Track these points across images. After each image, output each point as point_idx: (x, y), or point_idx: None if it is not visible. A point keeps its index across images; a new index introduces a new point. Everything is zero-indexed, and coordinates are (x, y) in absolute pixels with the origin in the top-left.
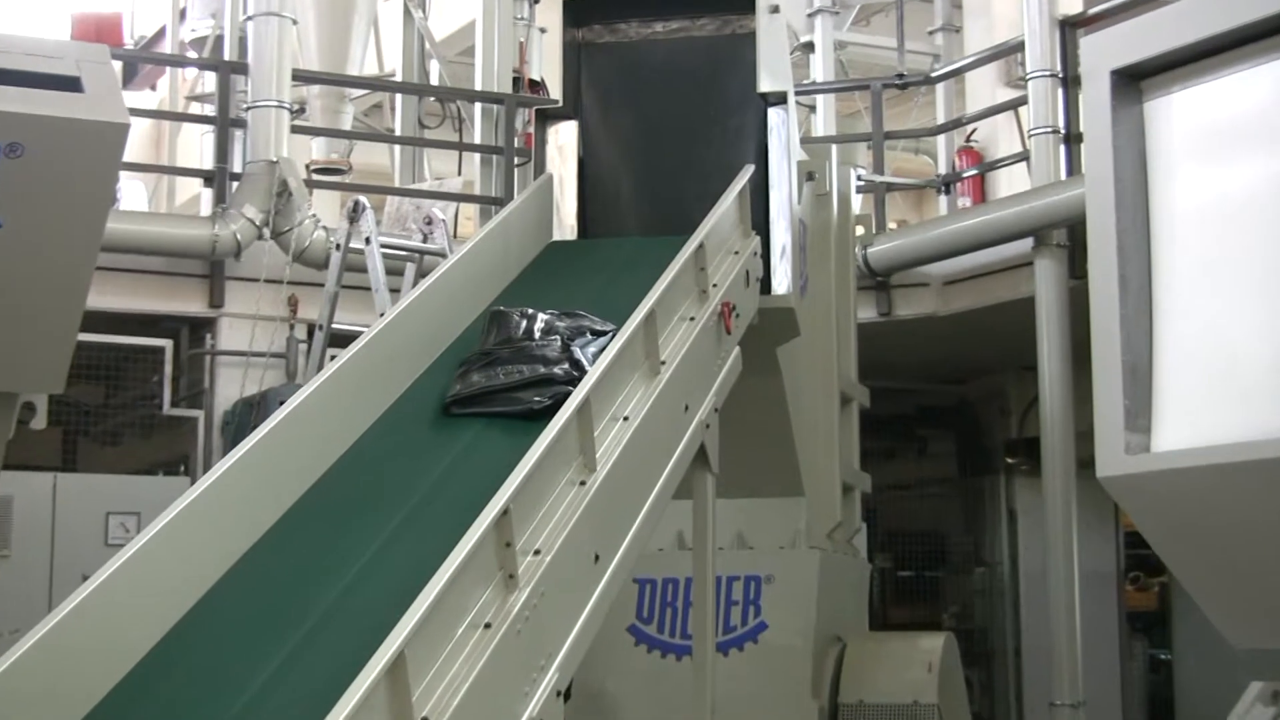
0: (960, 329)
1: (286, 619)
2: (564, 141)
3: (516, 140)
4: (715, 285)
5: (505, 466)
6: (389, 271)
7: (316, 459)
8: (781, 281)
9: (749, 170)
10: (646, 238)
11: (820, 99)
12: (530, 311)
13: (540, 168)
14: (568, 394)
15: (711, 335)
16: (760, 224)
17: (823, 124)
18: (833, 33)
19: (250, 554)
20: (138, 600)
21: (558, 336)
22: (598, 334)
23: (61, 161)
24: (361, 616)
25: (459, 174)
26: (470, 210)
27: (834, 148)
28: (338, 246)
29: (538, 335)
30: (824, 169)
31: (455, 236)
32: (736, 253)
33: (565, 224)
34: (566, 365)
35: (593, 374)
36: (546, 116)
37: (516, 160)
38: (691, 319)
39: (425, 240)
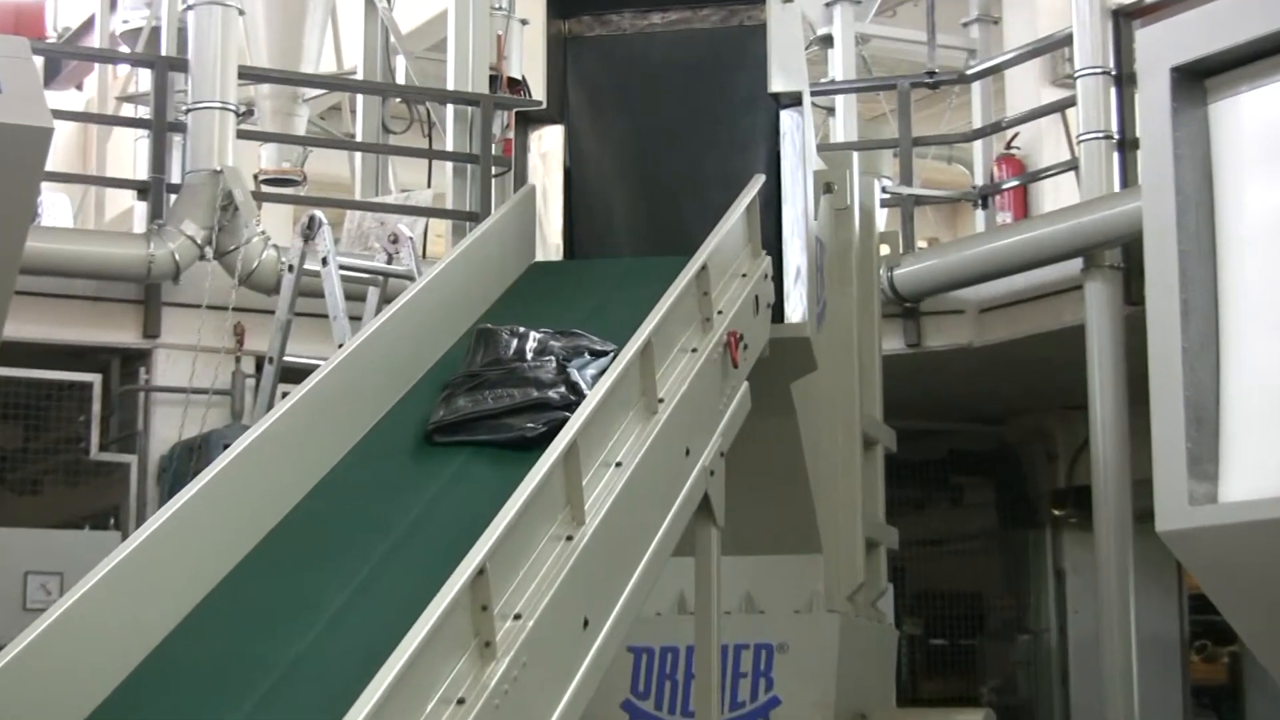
0: (1000, 362)
1: (238, 684)
2: (548, 149)
3: (494, 147)
4: (720, 312)
5: (494, 501)
6: (349, 297)
7: (274, 502)
8: (796, 308)
9: (759, 181)
10: (642, 258)
11: (840, 100)
12: (521, 329)
13: (521, 179)
14: (564, 420)
15: (716, 369)
16: (772, 243)
17: (843, 129)
18: (854, 25)
19: (196, 613)
20: (61, 673)
21: (552, 357)
22: (597, 354)
23: None
24: (323, 679)
25: (428, 185)
26: (441, 227)
27: (856, 155)
28: (290, 268)
29: (530, 355)
30: (844, 180)
31: (424, 257)
32: (744, 275)
33: (549, 242)
34: (563, 389)
35: (581, 413)
36: (528, 120)
37: (494, 170)
38: (693, 351)
39: (390, 261)
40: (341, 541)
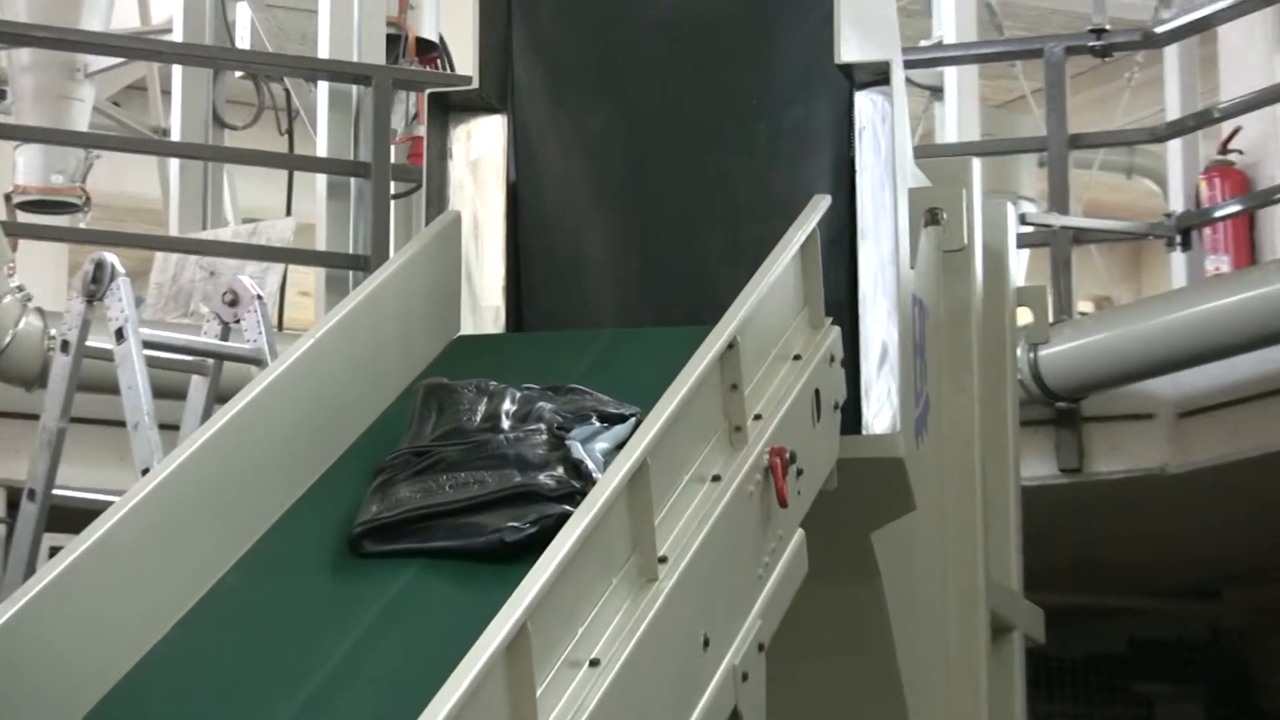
0: (1211, 498)
1: None
2: (481, 154)
3: (394, 152)
4: (758, 418)
5: (455, 643)
6: (162, 392)
7: (117, 647)
8: (881, 411)
9: (820, 207)
10: (633, 330)
11: (952, 76)
12: (494, 385)
13: (438, 203)
14: (561, 519)
15: (752, 511)
16: (843, 306)
17: (956, 122)
18: None
19: None
20: None
21: (542, 425)
22: (610, 419)
23: None
24: None
25: (288, 213)
26: (310, 280)
27: (977, 164)
28: (65, 346)
29: (508, 422)
30: (958, 204)
31: (281, 328)
32: (797, 358)
33: (482, 304)
34: (560, 471)
35: (531, 584)
36: (449, 108)
37: (394, 187)
38: (714, 480)
39: (226, 334)
40: (218, 711)
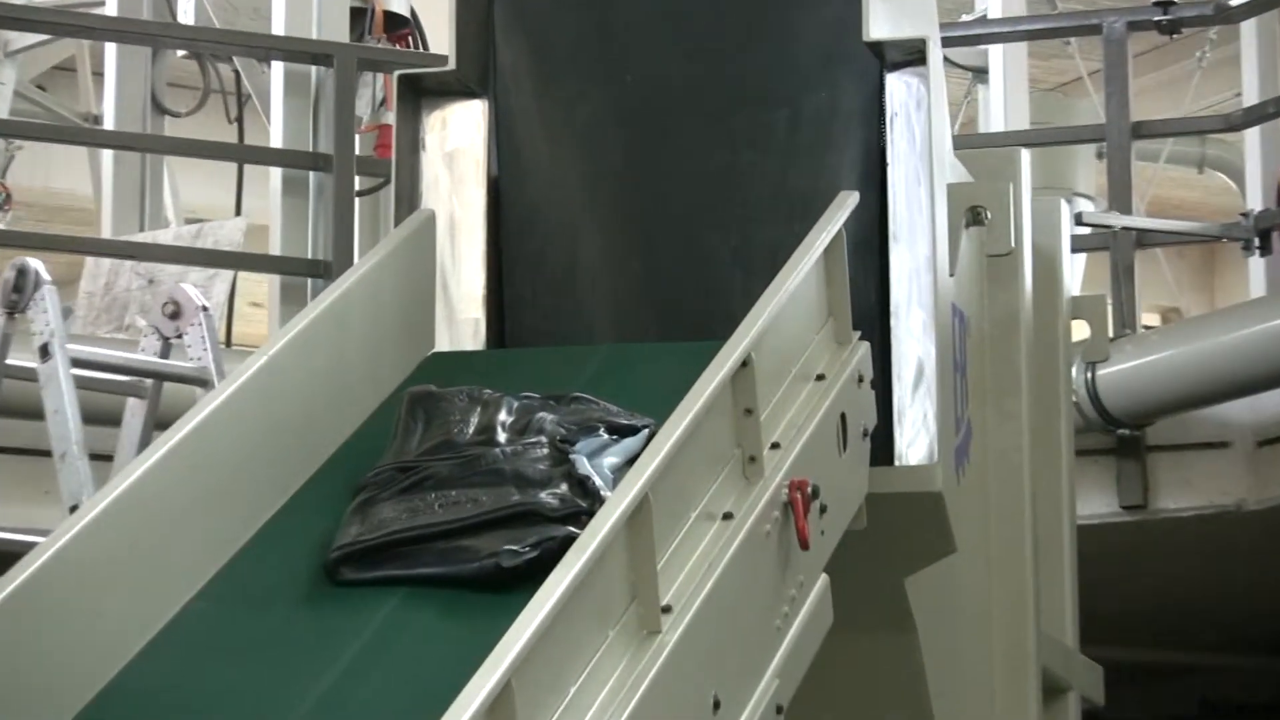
0: None
1: None
2: (458, 144)
3: (359, 143)
4: (776, 446)
5: (447, 683)
6: (94, 418)
7: (68, 688)
8: (917, 439)
9: (846, 205)
10: (633, 345)
11: (998, 55)
12: (489, 393)
13: (409, 200)
14: (566, 542)
15: (769, 552)
16: (872, 318)
17: (1004, 108)
18: None
19: None
20: None
21: (543, 437)
22: (621, 431)
23: None
24: None
25: (237, 213)
26: (262, 289)
27: (1026, 156)
28: None
29: (504, 435)
30: (1004, 202)
31: (229, 344)
32: (820, 378)
33: (460, 317)
34: (563, 488)
35: (517, 637)
36: (422, 92)
37: (359, 183)
38: (725, 518)
39: (167, 351)
40: None
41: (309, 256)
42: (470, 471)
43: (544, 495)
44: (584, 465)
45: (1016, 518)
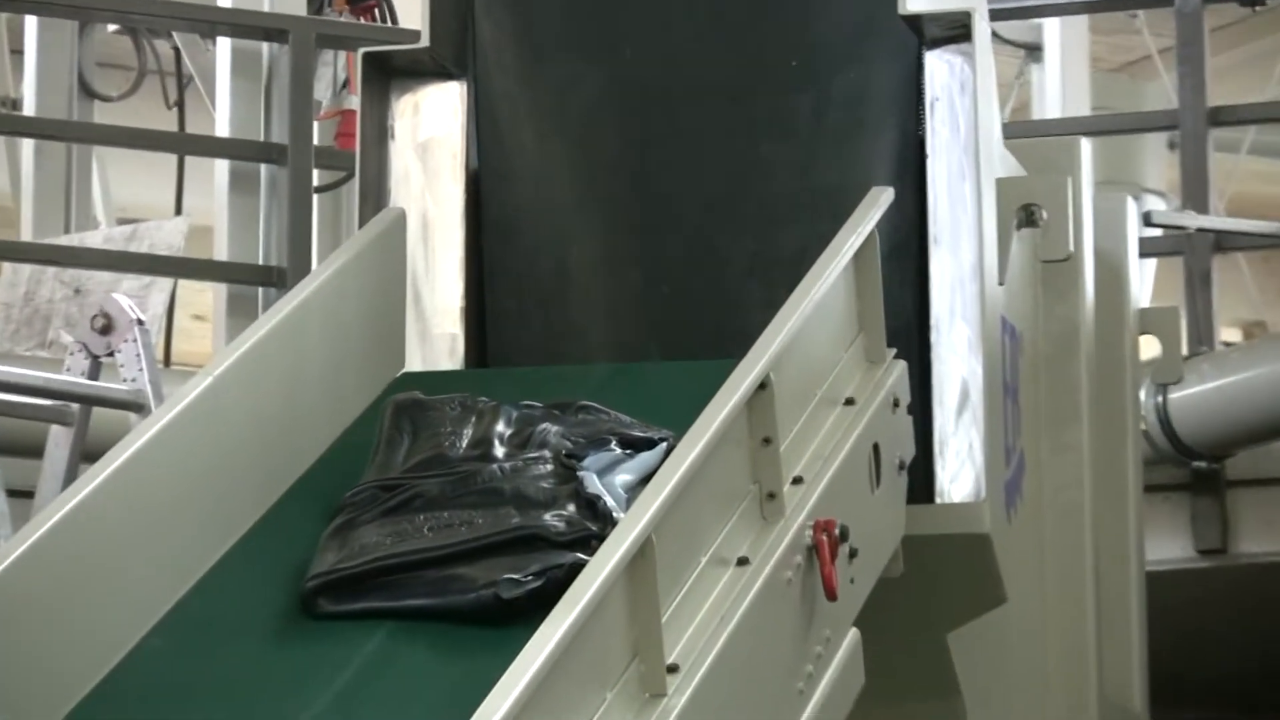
0: None
1: None
2: (433, 134)
3: (317, 130)
4: (799, 481)
5: None
6: (11, 449)
7: None
8: (959, 472)
9: (880, 203)
10: (634, 365)
11: (1054, 30)
12: (485, 403)
13: (376, 198)
14: (573, 570)
15: (790, 604)
16: (909, 332)
17: (1061, 91)
18: None
19: None
20: None
21: (547, 451)
22: (635, 445)
23: None
24: None
25: (177, 212)
26: (206, 300)
27: (1086, 145)
28: None
29: (502, 449)
30: (1062, 200)
31: (168, 362)
32: (849, 402)
33: (434, 332)
34: (570, 509)
35: (500, 701)
36: (391, 73)
37: (319, 178)
38: (741, 563)
39: (96, 369)
40: None
41: (260, 262)
42: (464, 490)
43: (548, 517)
44: (594, 483)
45: (1076, 564)
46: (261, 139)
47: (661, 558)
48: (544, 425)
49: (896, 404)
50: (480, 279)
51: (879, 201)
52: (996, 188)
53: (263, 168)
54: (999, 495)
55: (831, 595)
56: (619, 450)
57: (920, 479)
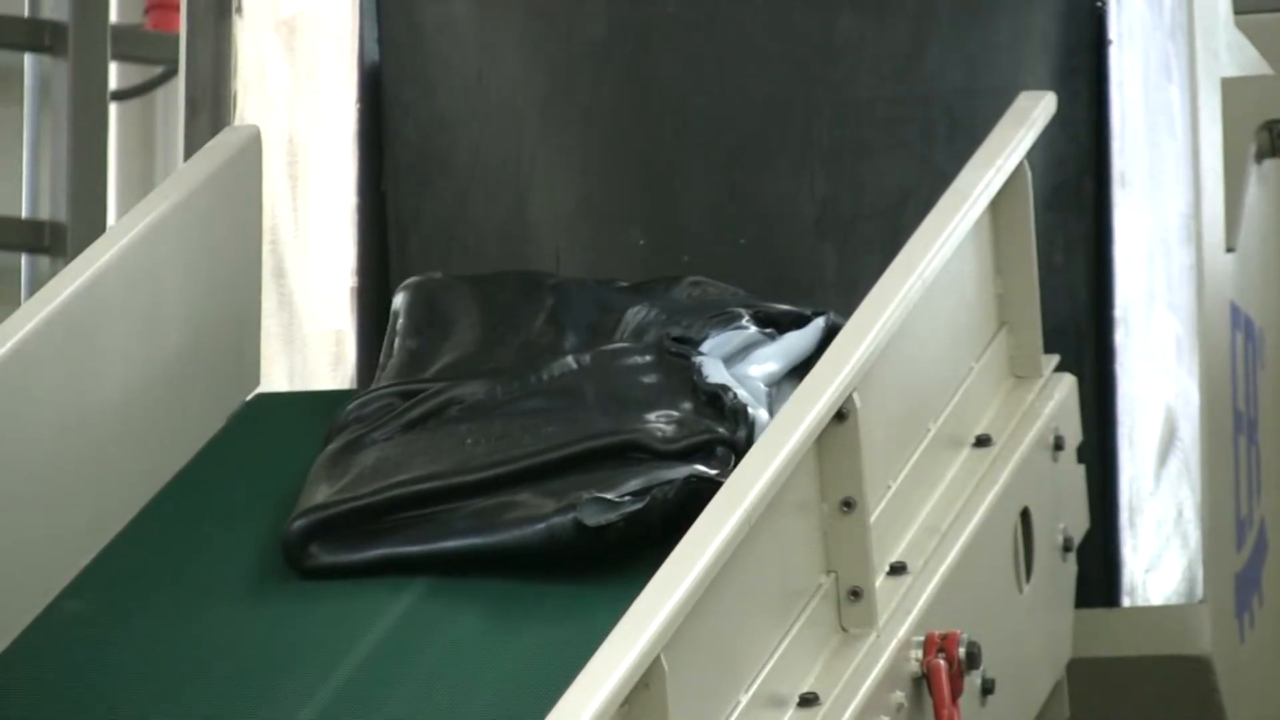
0: None
1: None
2: (303, 6)
3: (114, 4)
4: (899, 570)
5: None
6: None
7: None
8: (1161, 559)
9: (1035, 117)
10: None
11: None
12: (551, 279)
13: (212, 108)
14: (690, 489)
15: None
16: (1077, 330)
17: None
18: None
19: None
20: None
21: (648, 336)
22: (775, 323)
23: None
24: None
25: None
26: None
27: None
28: None
29: (573, 338)
30: None
31: None
32: (982, 441)
33: (308, 328)
34: (686, 407)
35: None
36: None
37: (117, 79)
38: (806, 702)
39: None
40: None
41: (22, 215)
42: (523, 392)
43: (653, 418)
44: (717, 370)
45: None
46: (25, 14)
47: (679, 691)
48: (636, 309)
49: (1060, 445)
50: (384, 240)
51: (1032, 116)
52: (1222, 93)
53: (26, 60)
54: (1226, 595)
55: None
56: (754, 328)
57: (1098, 567)
